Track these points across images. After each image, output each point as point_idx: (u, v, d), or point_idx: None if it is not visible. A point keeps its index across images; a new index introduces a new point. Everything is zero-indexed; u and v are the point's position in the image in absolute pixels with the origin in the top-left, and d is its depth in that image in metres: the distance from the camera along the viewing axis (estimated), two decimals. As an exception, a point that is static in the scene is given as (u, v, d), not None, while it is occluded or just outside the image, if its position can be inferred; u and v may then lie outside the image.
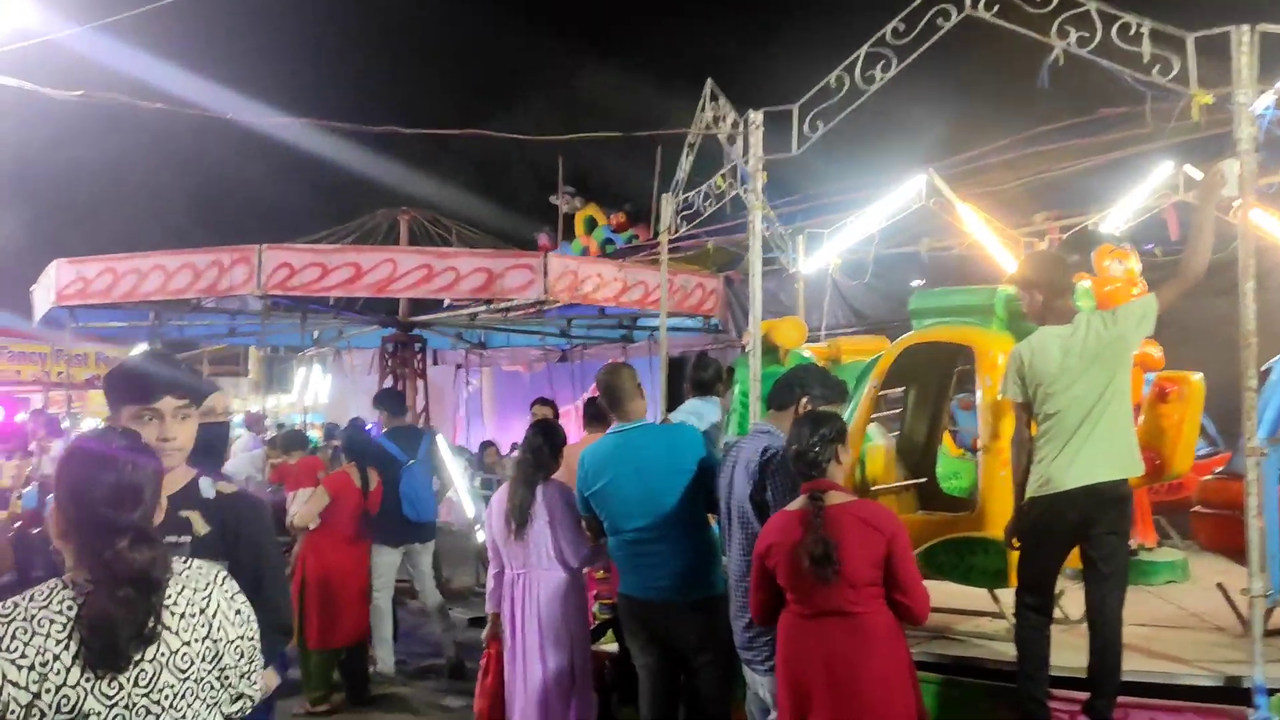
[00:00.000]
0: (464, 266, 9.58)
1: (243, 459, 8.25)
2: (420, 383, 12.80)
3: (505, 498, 5.12)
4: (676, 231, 7.09)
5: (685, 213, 6.95)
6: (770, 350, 6.03)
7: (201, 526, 2.81)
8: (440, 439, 9.30)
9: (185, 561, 2.27)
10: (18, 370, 17.69)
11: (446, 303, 12.14)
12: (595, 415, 6.15)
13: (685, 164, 6.62)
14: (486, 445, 12.85)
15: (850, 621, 3.54)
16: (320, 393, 19.65)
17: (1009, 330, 5.27)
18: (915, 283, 9.65)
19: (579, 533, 4.99)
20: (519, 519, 4.98)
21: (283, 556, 2.83)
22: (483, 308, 11.41)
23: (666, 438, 4.80)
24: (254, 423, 13.34)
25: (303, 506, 7.36)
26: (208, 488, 2.91)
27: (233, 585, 2.33)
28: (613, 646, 6.03)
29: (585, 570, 5.20)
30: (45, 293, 10.46)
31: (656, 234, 8.23)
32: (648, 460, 4.63)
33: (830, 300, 9.10)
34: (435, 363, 15.89)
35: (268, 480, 8.54)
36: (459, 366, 17.04)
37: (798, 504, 3.68)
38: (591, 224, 21.70)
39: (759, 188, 5.43)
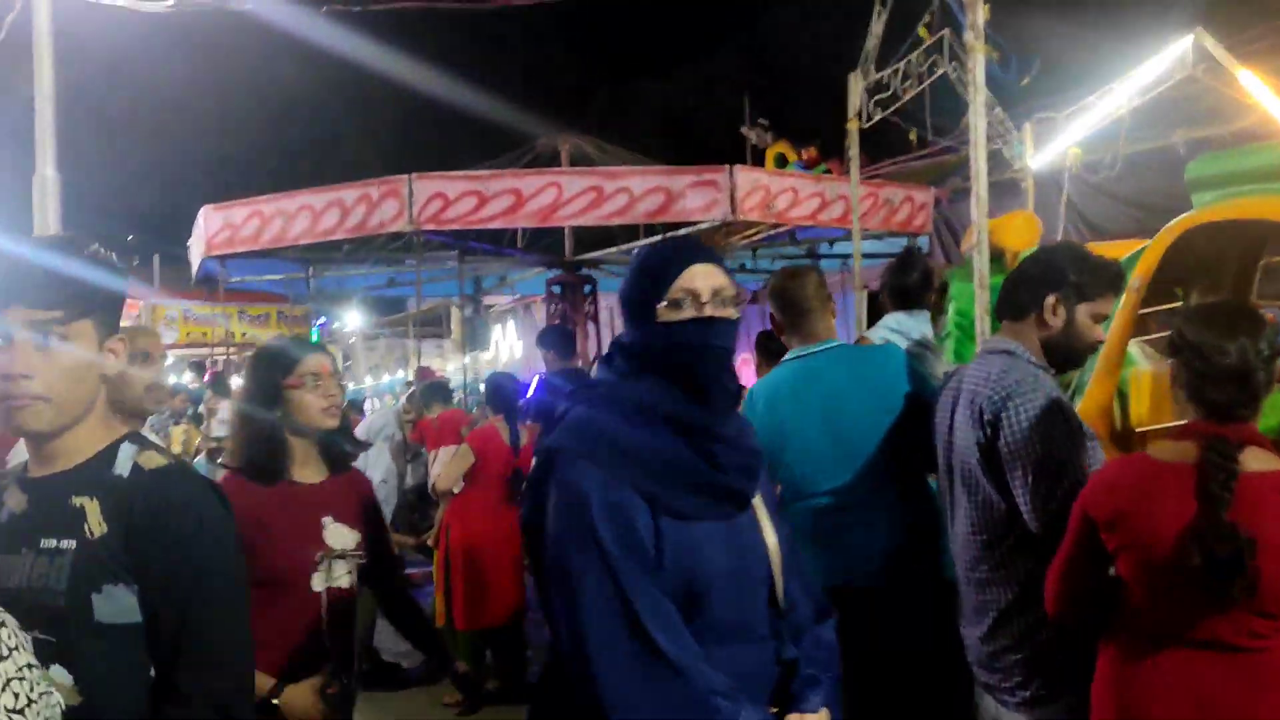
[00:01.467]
0: (637, 186, 8.47)
1: (383, 414, 7.41)
2: (592, 327, 11.84)
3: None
4: (869, 121, 5.73)
5: (880, 97, 5.59)
6: (997, 257, 4.61)
7: (98, 524, 1.75)
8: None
9: None
10: (204, 332, 17.78)
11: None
12: (773, 351, 4.86)
13: (876, 26, 5.26)
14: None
15: (1246, 661, 2.15)
16: (515, 349, 19.51)
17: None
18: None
19: None
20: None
21: (239, 588, 1.49)
22: (657, 238, 10.26)
23: (864, 364, 3.52)
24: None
25: (445, 467, 6.48)
26: (126, 459, 1.83)
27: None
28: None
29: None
30: (198, 244, 10.01)
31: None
32: (839, 396, 3.37)
33: (1066, 209, 7.48)
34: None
35: (408, 438, 7.68)
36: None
37: (1183, 454, 2.21)
38: (782, 161, 20.44)
39: (980, 20, 4.02)
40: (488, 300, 18.70)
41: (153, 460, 1.83)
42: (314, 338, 28.94)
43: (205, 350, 16.23)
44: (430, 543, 6.65)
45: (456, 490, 6.35)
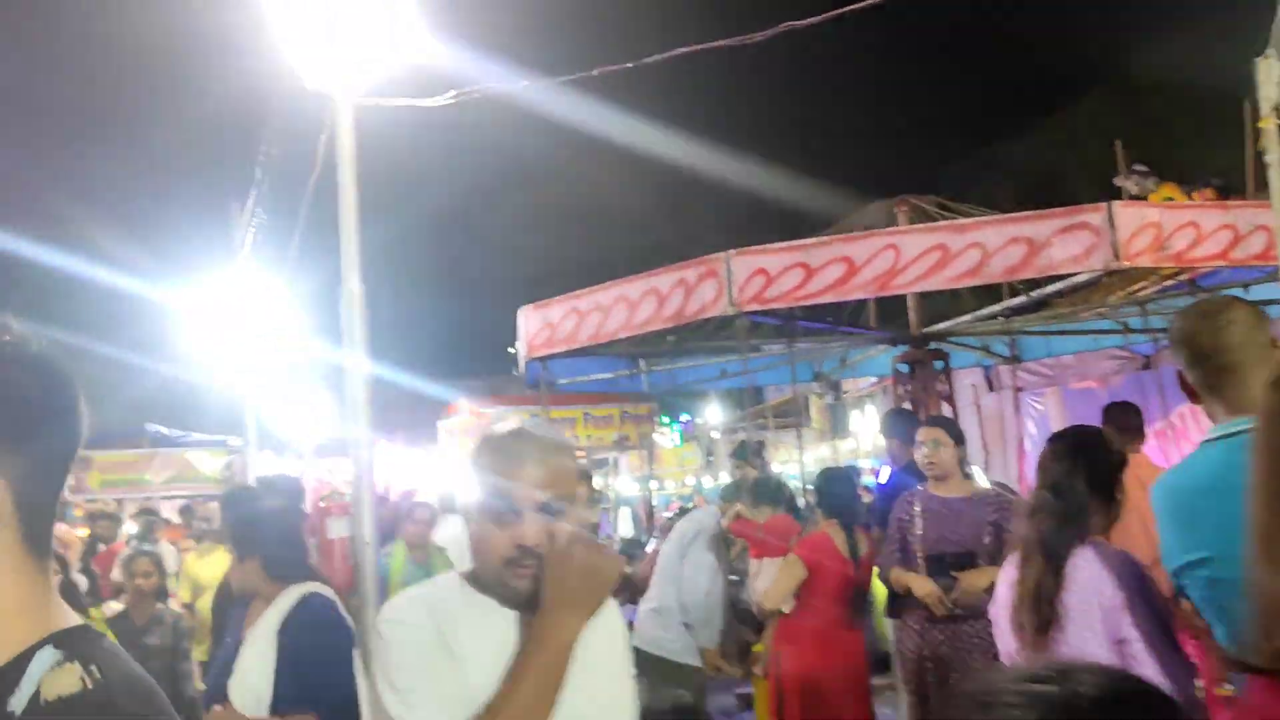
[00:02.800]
0: (992, 239, 7.10)
1: (708, 512, 6.36)
2: (947, 409, 10.36)
3: (1014, 574, 2.71)
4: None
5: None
6: None
7: None
8: (977, 471, 6.90)
9: None
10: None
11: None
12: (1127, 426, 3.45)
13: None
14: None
15: None
16: (876, 436, 18.42)
17: None
18: None
19: (1169, 646, 2.47)
20: (1037, 615, 2.56)
21: None
22: (1021, 298, 8.78)
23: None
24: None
25: (772, 582, 5.42)
26: (32, 679, 1.05)
27: None
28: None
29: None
30: (522, 346, 9.70)
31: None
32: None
33: None
34: (991, 388, 13.23)
35: (727, 531, 6.50)
36: (1018, 390, 14.16)
37: None
38: (1171, 206, 17.87)
39: None
40: (845, 386, 17.67)
41: (61, 684, 0.99)
42: (678, 434, 28.97)
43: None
44: (759, 671, 5.59)
45: (786, 610, 5.33)
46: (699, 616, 6.16)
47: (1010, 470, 13.97)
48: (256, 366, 18.90)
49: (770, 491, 6.18)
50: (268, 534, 3.82)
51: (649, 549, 8.21)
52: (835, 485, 5.61)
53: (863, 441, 19.00)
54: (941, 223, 7.64)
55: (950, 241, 7.21)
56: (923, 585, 4.94)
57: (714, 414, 24.71)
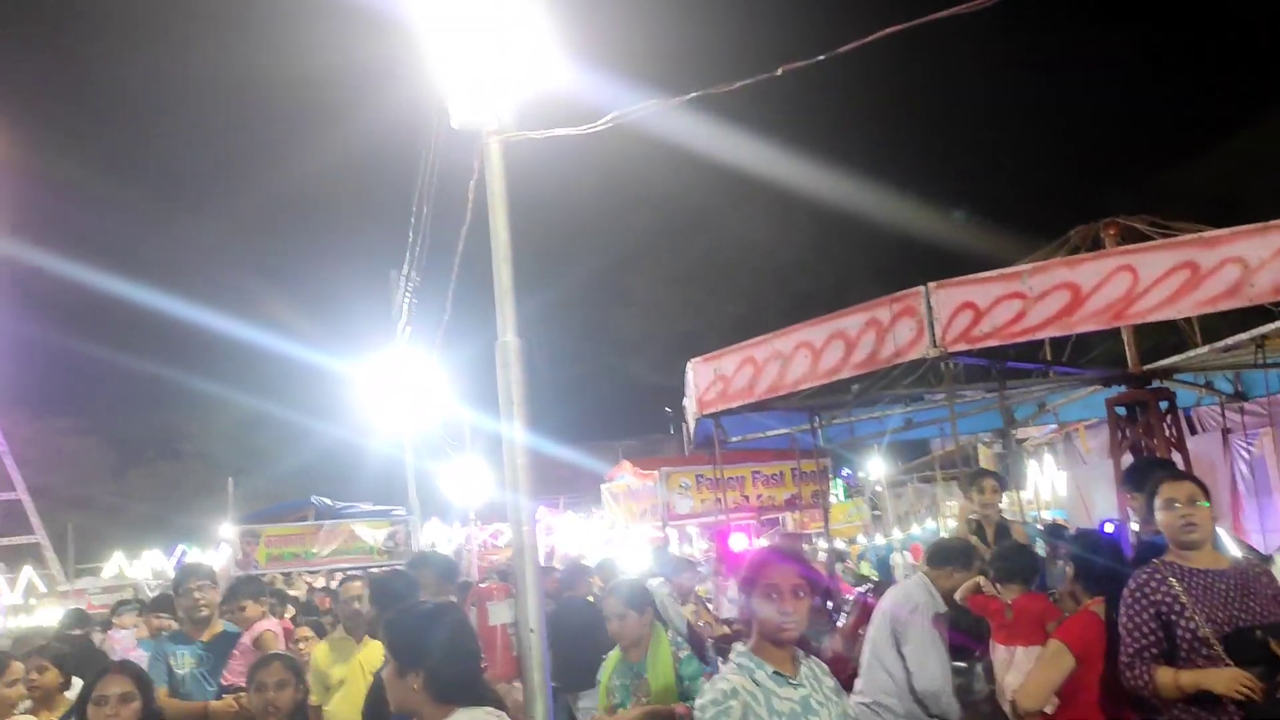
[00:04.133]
0: (1255, 252, 5.95)
1: (917, 583, 5.32)
2: (1177, 457, 9.03)
3: None
4: None
5: None
6: None
7: None
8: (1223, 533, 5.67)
9: None
10: (716, 498, 16.88)
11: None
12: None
13: None
14: None
15: None
16: (1056, 485, 16.88)
17: None
18: None
19: None
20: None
21: None
22: (1270, 325, 7.49)
23: None
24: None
25: (1029, 676, 4.40)
26: None
27: None
28: None
29: None
30: (691, 402, 8.90)
31: None
32: None
33: None
34: (1193, 430, 11.72)
35: (963, 605, 5.28)
36: (1226, 431, 12.56)
37: None
38: None
39: None
40: (1020, 433, 16.29)
41: None
42: (841, 491, 27.61)
43: (715, 518, 15.31)
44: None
45: (1049, 710, 4.30)
46: (946, 705, 5.11)
47: (1223, 521, 12.26)
48: (417, 433, 18.79)
49: (1023, 564, 5.06)
50: (434, 647, 3.08)
51: (838, 623, 7.17)
52: (1101, 554, 4.52)
53: (1041, 492, 17.49)
54: (1186, 236, 6.49)
55: (1201, 258, 6.06)
56: (1227, 677, 3.79)
57: (876, 467, 23.36)
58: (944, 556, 5.48)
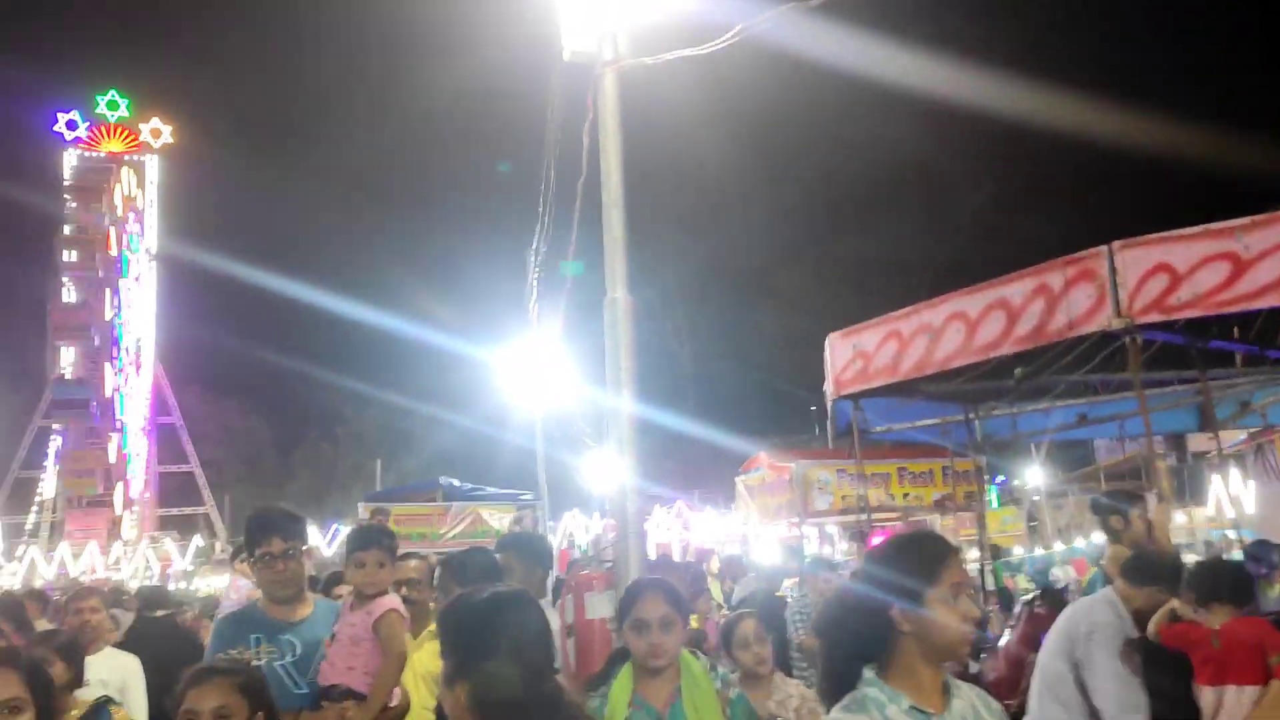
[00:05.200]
0: None
1: (1103, 601, 4.28)
2: None
3: None
4: None
5: None
6: None
7: None
8: None
9: None
10: (858, 496, 15.72)
11: None
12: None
13: None
14: None
15: None
16: (1244, 502, 15.12)
17: None
18: None
19: None
20: None
21: None
22: None
23: None
24: None
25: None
26: None
27: None
28: None
29: None
30: (829, 384, 7.96)
31: None
32: None
33: None
34: None
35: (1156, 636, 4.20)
36: None
37: None
38: None
39: None
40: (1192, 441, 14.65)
41: None
42: (994, 498, 25.98)
43: (857, 517, 14.21)
44: None
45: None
46: None
47: None
48: (549, 418, 18.37)
49: (1232, 580, 3.99)
50: (486, 650, 2.29)
51: (1001, 641, 6.18)
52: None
53: (1224, 510, 15.68)
54: None
55: None
56: None
57: (1034, 474, 21.72)
58: (1148, 573, 4.38)
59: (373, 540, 4.10)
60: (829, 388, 7.70)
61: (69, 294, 53.78)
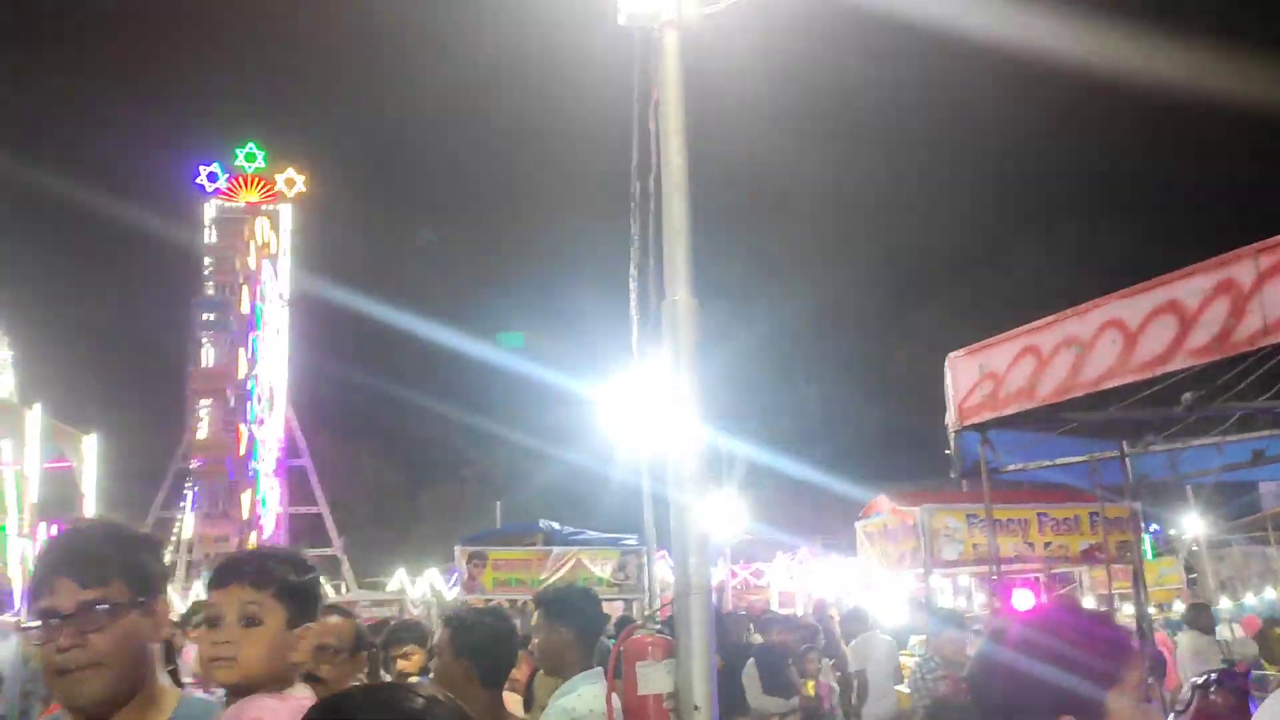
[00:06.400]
0: None
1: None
2: None
3: None
4: None
5: None
6: None
7: None
8: None
9: None
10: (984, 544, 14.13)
11: None
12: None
13: None
14: None
15: None
16: None
17: None
18: None
19: None
20: None
21: None
22: None
23: None
24: None
25: None
26: None
27: None
28: None
29: None
30: (951, 412, 6.72)
31: None
32: None
33: None
34: None
35: None
36: None
37: None
38: None
39: None
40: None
41: None
42: (1149, 548, 23.84)
43: (990, 568, 12.68)
44: None
45: None
46: None
47: None
48: (655, 455, 17.29)
49: None
50: None
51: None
52: None
53: None
54: None
55: None
56: None
57: (1192, 522, 19.76)
58: None
59: (239, 573, 2.19)
60: (951, 417, 6.47)
61: (206, 357, 55.77)
